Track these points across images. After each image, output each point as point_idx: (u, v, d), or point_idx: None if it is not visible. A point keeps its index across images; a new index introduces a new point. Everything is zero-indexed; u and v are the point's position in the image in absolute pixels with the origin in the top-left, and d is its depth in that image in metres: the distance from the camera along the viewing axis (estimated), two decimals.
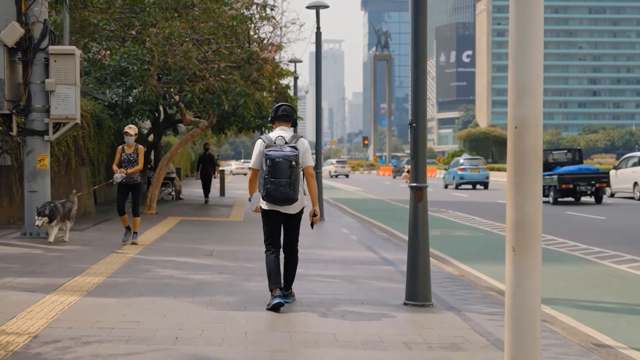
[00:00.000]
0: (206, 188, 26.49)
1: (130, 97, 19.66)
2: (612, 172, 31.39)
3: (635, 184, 29.95)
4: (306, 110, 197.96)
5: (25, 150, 13.94)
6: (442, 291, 9.18)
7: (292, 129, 8.17)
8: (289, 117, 7.99)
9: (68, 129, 14.05)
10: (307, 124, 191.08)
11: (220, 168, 33.29)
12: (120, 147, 12.84)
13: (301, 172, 7.83)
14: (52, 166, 16.67)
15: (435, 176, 64.86)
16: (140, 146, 12.81)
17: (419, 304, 8.22)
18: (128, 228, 13.14)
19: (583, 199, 29.12)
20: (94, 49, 19.24)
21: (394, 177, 68.61)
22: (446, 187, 45.32)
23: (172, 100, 21.03)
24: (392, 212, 25.50)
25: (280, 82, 24.83)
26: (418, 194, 8.29)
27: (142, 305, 7.79)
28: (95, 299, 8.07)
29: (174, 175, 28.28)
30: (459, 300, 8.69)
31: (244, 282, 9.44)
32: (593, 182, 27.34)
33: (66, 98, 13.65)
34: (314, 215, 7.87)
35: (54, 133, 13.83)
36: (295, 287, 8.92)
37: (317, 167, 20.99)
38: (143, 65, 18.06)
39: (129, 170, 12.58)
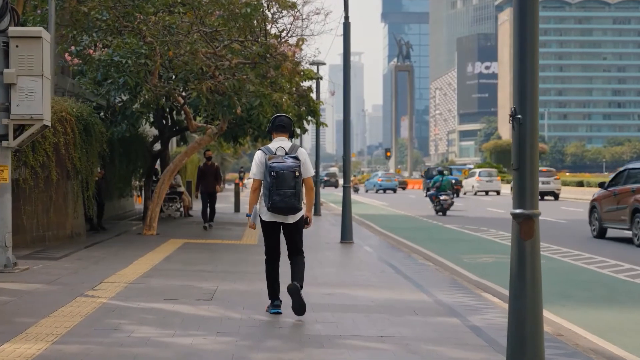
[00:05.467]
0: (209, 209, 20.02)
1: (137, 103, 16.90)
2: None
3: None
4: (326, 118, 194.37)
5: None
6: None
7: (290, 140, 8.16)
8: (286, 127, 8.12)
9: (34, 133, 11.08)
10: (327, 134, 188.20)
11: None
12: None
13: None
14: (28, 180, 13.92)
15: None
16: None
17: None
18: None
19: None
20: (83, 42, 16.36)
21: (336, 188, 77.17)
22: (367, 191, 65.51)
23: (176, 102, 18.09)
24: (426, 230, 22.43)
25: (302, 84, 21.76)
26: (526, 226, 5.18)
27: None
28: None
29: (182, 189, 25.37)
30: None
31: (252, 354, 6.34)
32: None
33: (30, 93, 10.64)
34: (306, 222, 8.09)
35: (15, 137, 10.86)
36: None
37: (346, 181, 17.89)
38: (139, 59, 15.14)
39: None
